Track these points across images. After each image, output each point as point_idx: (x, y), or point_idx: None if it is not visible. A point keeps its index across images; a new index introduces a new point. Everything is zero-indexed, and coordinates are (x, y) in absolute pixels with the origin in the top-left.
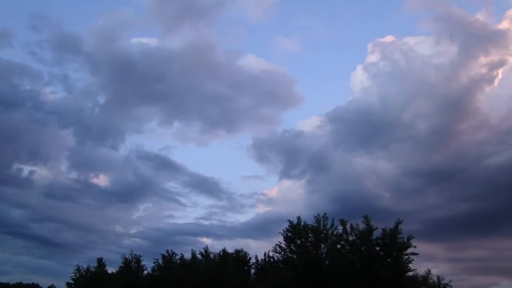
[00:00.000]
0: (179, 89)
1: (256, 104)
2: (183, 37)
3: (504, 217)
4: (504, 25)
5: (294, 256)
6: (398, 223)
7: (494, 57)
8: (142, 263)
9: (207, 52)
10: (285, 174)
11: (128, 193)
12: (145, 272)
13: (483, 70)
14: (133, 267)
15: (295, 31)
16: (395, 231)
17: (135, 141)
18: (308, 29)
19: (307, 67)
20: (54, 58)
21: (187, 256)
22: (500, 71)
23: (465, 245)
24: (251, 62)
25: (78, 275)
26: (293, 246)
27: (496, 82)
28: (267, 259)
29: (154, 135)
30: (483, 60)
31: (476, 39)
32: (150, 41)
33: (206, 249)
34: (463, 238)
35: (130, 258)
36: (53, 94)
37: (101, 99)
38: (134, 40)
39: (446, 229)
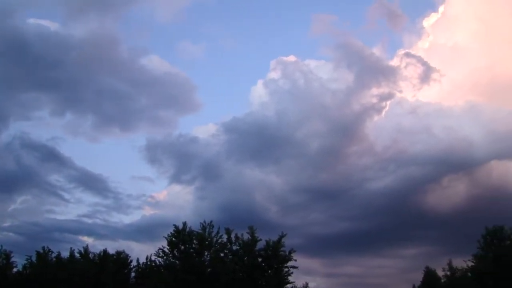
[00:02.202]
0: (76, 79)
1: (153, 105)
2: (86, 26)
3: (377, 238)
4: (395, 62)
5: (177, 261)
6: (282, 236)
7: (384, 89)
8: (13, 259)
9: (110, 45)
10: (176, 178)
11: (5, 183)
12: (15, 270)
13: (374, 100)
14: (0, 264)
15: (202, 38)
16: (278, 243)
17: (21, 128)
18: (215, 38)
19: (209, 75)
20: None
21: (65, 254)
22: (388, 103)
23: (341, 262)
24: (154, 63)
25: None
26: (176, 251)
27: (383, 112)
28: (148, 263)
29: (43, 124)
30: (374, 91)
31: (371, 70)
32: (51, 25)
33: (86, 249)
34: (340, 255)
35: None
36: None
37: None
38: (31, 21)
39: (325, 245)
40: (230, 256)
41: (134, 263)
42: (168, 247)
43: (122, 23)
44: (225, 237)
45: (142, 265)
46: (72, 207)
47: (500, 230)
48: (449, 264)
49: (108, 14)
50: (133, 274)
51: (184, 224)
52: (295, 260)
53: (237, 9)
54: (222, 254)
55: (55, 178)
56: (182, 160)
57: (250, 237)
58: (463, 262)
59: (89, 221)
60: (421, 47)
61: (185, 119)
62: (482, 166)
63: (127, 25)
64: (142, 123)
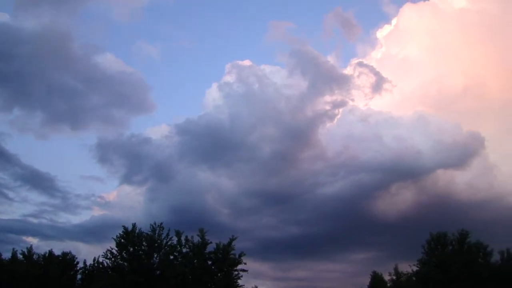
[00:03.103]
0: (25, 74)
1: (106, 104)
2: (39, 19)
3: (327, 242)
4: (348, 70)
5: (125, 263)
6: (232, 239)
7: (337, 97)
8: None
9: (63, 41)
10: (126, 179)
11: None
12: None
13: (327, 107)
14: None
15: (158, 39)
16: (229, 247)
17: None
18: (172, 39)
19: (164, 76)
20: None
21: (7, 255)
22: (340, 110)
23: (291, 266)
24: (109, 61)
25: None
26: (125, 253)
27: (336, 120)
28: (96, 264)
29: None
30: (328, 98)
31: (324, 78)
32: (0, 16)
33: (29, 250)
34: (290, 259)
35: None
36: None
37: None
38: None
39: (276, 249)
40: (179, 259)
41: (81, 264)
42: (116, 249)
43: (77, 18)
44: (175, 239)
45: (89, 266)
46: (17, 206)
47: (444, 236)
48: (395, 268)
49: (63, 8)
50: (79, 276)
51: (134, 225)
52: (245, 264)
53: (195, 11)
54: (171, 257)
55: None
56: (133, 160)
57: (200, 240)
58: (408, 266)
59: (35, 221)
60: (374, 57)
61: (138, 119)
62: (428, 175)
63: (82, 21)
64: (94, 121)
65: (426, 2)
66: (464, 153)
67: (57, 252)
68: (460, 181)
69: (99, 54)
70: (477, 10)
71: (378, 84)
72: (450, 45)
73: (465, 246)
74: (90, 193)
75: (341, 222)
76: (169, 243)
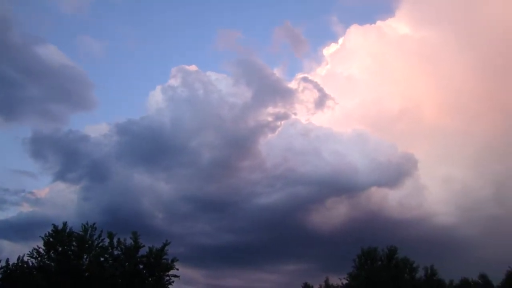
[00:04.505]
0: None
1: (44, 98)
2: None
3: (261, 252)
4: (293, 84)
5: (52, 263)
6: (166, 244)
7: (280, 109)
8: None
9: (2, 28)
10: (60, 176)
11: None
12: None
13: (269, 119)
14: None
15: (105, 35)
16: (162, 251)
17: None
18: (119, 37)
19: (108, 74)
20: None
21: None
22: (282, 122)
23: (224, 274)
24: (51, 53)
25: None
26: (53, 252)
27: (277, 131)
28: (19, 264)
29: None
30: (271, 110)
31: (269, 90)
32: None
33: None
34: (223, 267)
35: None
36: None
37: None
38: None
39: (209, 257)
40: (110, 261)
41: (2, 263)
42: (44, 248)
43: (20, 6)
44: (107, 241)
45: (12, 266)
46: None
47: (374, 251)
48: (326, 281)
49: None
50: None
51: (64, 224)
52: (177, 269)
53: (145, 11)
54: (102, 259)
55: None
56: (69, 157)
57: (133, 243)
58: (338, 280)
59: None
60: (319, 74)
61: (78, 116)
62: (363, 191)
63: (25, 9)
64: (30, 114)
65: (373, 25)
66: (397, 173)
67: None
68: (392, 199)
69: (40, 45)
70: (418, 38)
71: (321, 100)
72: (391, 68)
73: (393, 261)
74: (20, 188)
75: (275, 233)
76: (100, 245)
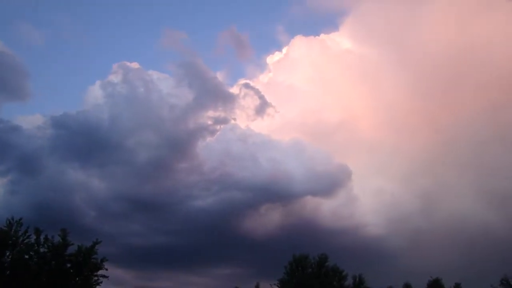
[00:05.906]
0: None
1: None
2: None
3: (193, 255)
4: (234, 90)
5: None
6: (96, 243)
7: (220, 113)
8: None
9: None
10: None
11: None
12: None
13: (209, 122)
14: None
15: (45, 24)
16: (91, 250)
17: None
18: (60, 27)
19: (46, 65)
20: None
21: None
22: (221, 127)
23: (155, 275)
24: None
25: None
26: None
27: (216, 135)
28: None
29: None
30: (211, 113)
31: (210, 93)
32: None
33: None
34: (155, 268)
35: None
36: None
37: None
38: None
39: (141, 258)
40: (35, 259)
41: None
42: None
43: None
44: (33, 237)
45: None
46: None
47: (305, 259)
48: (257, 286)
49: None
50: None
51: None
52: (106, 269)
53: (89, 2)
54: (26, 256)
55: None
56: None
57: (61, 240)
58: (269, 286)
59: None
60: (261, 81)
61: (9, 105)
62: (297, 199)
63: None
64: None
65: (317, 37)
66: (332, 183)
67: None
68: (326, 209)
69: None
70: (359, 53)
71: (262, 107)
72: (332, 80)
73: (324, 269)
74: None
75: (209, 236)
76: (25, 241)
